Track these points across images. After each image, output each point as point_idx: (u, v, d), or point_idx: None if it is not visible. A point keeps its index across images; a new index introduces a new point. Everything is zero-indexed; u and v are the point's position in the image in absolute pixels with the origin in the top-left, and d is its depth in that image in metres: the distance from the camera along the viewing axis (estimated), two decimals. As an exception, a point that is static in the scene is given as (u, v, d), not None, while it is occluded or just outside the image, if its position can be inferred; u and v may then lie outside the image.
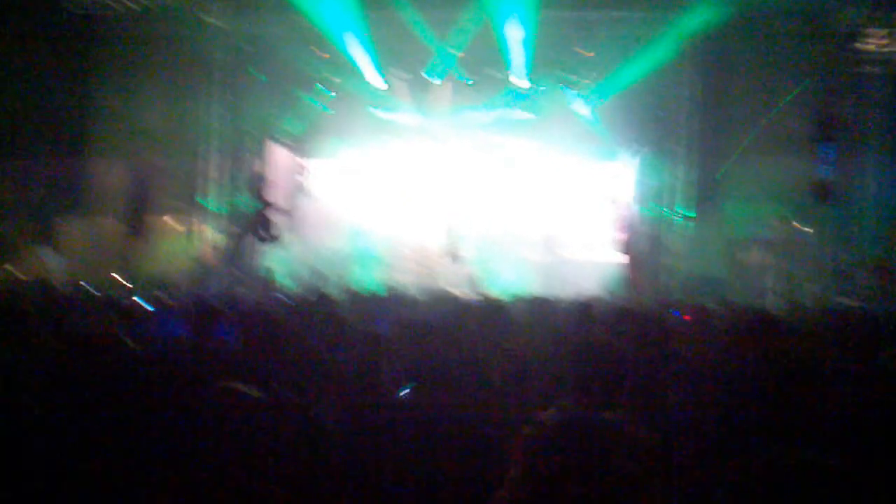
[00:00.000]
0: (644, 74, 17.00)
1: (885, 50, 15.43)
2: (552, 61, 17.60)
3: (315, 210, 19.52)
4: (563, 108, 18.32)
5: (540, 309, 7.66)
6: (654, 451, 2.23)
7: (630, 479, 1.73)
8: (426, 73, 17.86)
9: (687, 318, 5.55)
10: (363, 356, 4.70)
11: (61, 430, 2.41)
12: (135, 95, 15.98)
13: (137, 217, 12.45)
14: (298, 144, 19.78)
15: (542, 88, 18.09)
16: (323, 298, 7.42)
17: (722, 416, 3.23)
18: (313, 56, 17.45)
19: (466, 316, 6.00)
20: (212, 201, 17.16)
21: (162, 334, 5.89)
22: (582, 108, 18.25)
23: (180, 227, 16.83)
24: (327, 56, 17.38)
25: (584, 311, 5.73)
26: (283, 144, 19.43)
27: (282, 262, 15.65)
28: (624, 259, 15.41)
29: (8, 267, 13.42)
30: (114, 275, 12.26)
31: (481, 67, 17.91)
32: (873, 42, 15.44)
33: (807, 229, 14.64)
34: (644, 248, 16.12)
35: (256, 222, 14.12)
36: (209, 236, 16.89)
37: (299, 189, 19.76)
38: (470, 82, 17.85)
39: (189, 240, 16.79)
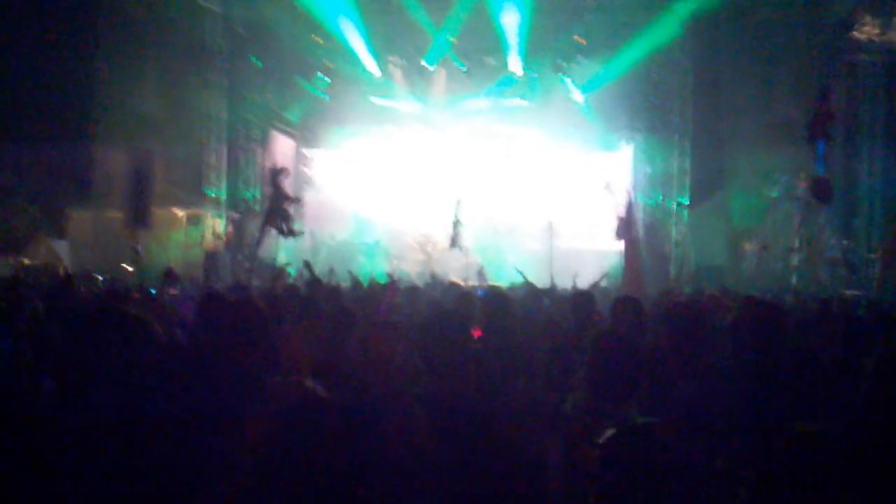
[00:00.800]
0: (638, 61, 17.04)
1: (878, 39, 15.44)
2: (547, 48, 17.61)
3: (318, 200, 19.59)
4: (559, 95, 18.35)
5: (542, 298, 7.73)
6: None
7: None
8: (424, 59, 17.86)
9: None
10: (373, 346, 4.76)
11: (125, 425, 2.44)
12: (137, 83, 15.96)
13: (143, 207, 12.43)
14: (300, 133, 19.82)
15: (535, 75, 18.10)
16: (330, 289, 7.47)
17: (731, 409, 3.30)
18: (312, 43, 17.43)
19: (470, 305, 6.03)
20: (218, 191, 17.14)
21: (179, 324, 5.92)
22: (577, 95, 18.28)
23: (187, 217, 16.84)
24: (324, 42, 17.36)
25: (588, 302, 5.77)
26: (286, 133, 19.47)
27: (291, 254, 15.67)
28: (621, 247, 15.47)
29: (20, 258, 13.46)
30: (123, 265, 12.30)
31: (477, 54, 17.93)
32: (867, 31, 15.44)
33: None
34: (639, 236, 16.14)
35: (277, 215, 14.08)
36: (217, 227, 16.88)
37: (303, 180, 19.83)
38: (464, 68, 17.84)
39: (197, 230, 16.79)
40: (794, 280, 13.31)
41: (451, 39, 17.36)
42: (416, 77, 18.39)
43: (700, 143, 16.96)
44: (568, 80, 18.06)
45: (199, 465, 2.36)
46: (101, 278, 10.42)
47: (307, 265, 8.60)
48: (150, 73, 16.23)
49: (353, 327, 4.68)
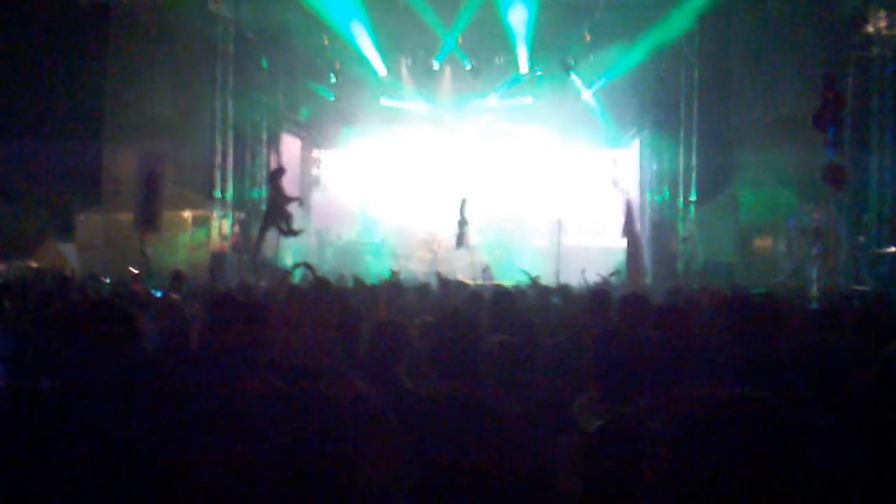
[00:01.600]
0: (645, 58, 16.99)
1: (890, 33, 15.32)
2: (554, 45, 17.57)
3: (326, 200, 19.64)
4: (566, 93, 18.32)
5: (551, 296, 7.71)
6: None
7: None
8: (432, 59, 17.86)
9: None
10: (381, 346, 4.76)
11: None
12: (148, 87, 16.01)
13: (153, 210, 12.48)
14: (308, 134, 19.87)
15: (543, 73, 18.07)
16: (336, 289, 7.47)
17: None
18: (320, 44, 17.46)
19: (478, 304, 6.01)
20: (226, 193, 17.17)
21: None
22: (585, 93, 18.25)
23: (193, 219, 16.88)
24: (332, 43, 17.38)
25: (596, 299, 5.75)
26: (294, 134, 19.52)
27: (297, 254, 15.69)
28: (626, 243, 15.42)
29: (28, 261, 13.51)
30: (131, 269, 12.32)
31: (484, 53, 17.91)
32: (878, 25, 15.33)
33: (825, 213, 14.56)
34: (641, 233, 16.07)
35: (278, 216, 14.10)
36: (224, 228, 16.91)
37: (311, 180, 19.88)
38: (469, 67, 17.81)
39: (204, 232, 16.83)
40: (814, 276, 13.21)
41: (459, 38, 17.35)
42: (424, 77, 18.41)
43: (708, 139, 16.88)
44: (575, 78, 18.03)
45: (197, 465, 2.35)
46: (108, 281, 10.44)
47: (308, 266, 8.55)
48: (161, 77, 16.28)
49: (360, 328, 4.67)
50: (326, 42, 17.40)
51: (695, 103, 17.05)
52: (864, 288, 11.99)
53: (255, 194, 17.93)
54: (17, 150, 14.60)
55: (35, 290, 7.65)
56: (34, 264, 13.36)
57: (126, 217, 14.06)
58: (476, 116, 18.96)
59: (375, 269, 15.45)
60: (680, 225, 17.06)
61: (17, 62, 14.89)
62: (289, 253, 16.01)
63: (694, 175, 17.09)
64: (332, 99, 18.57)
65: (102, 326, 2.41)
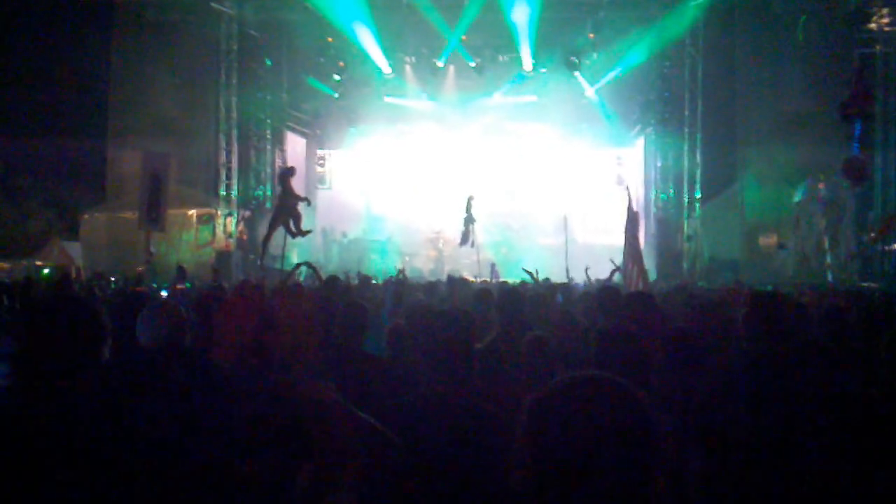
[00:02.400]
0: (649, 56, 16.97)
1: (889, 30, 15.28)
2: (558, 44, 17.54)
3: (331, 198, 19.67)
4: (570, 91, 18.28)
5: (556, 294, 7.69)
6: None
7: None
8: (436, 58, 17.85)
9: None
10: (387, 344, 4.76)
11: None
12: (151, 84, 16.06)
13: (158, 209, 12.48)
14: (313, 132, 19.90)
15: (547, 71, 18.04)
16: (343, 287, 7.45)
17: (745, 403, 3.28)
18: (324, 43, 17.47)
19: (488, 302, 5.99)
20: (230, 191, 17.19)
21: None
22: (589, 91, 18.22)
23: (197, 217, 16.91)
24: (336, 42, 17.39)
25: (601, 297, 5.73)
26: (298, 132, 19.55)
27: (303, 252, 15.70)
28: (627, 242, 15.40)
29: (34, 260, 13.56)
30: (139, 269, 12.36)
31: (488, 52, 17.88)
32: (882, 22, 15.29)
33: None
34: (638, 231, 16.02)
35: (287, 216, 14.10)
36: (229, 226, 16.94)
37: (315, 178, 19.90)
38: (473, 65, 17.79)
39: (209, 230, 16.86)
40: (829, 277, 13.18)
41: (463, 37, 17.34)
42: (428, 75, 18.40)
43: (712, 136, 16.85)
44: (579, 76, 18.00)
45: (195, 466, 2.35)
46: (113, 279, 10.48)
47: (311, 266, 8.53)
48: (165, 75, 16.32)
49: (366, 324, 4.67)
50: (330, 40, 17.40)
51: (699, 101, 17.00)
52: (872, 285, 11.96)
53: (259, 192, 17.96)
54: (22, 149, 14.66)
55: (37, 289, 7.68)
56: (39, 263, 13.41)
57: (131, 216, 14.08)
58: (480, 114, 18.95)
59: (381, 266, 15.45)
60: (685, 222, 17.03)
61: (21, 62, 14.94)
62: (295, 252, 16.02)
63: (699, 172, 17.05)
64: (337, 97, 18.57)
65: (62, 323, 2.38)
